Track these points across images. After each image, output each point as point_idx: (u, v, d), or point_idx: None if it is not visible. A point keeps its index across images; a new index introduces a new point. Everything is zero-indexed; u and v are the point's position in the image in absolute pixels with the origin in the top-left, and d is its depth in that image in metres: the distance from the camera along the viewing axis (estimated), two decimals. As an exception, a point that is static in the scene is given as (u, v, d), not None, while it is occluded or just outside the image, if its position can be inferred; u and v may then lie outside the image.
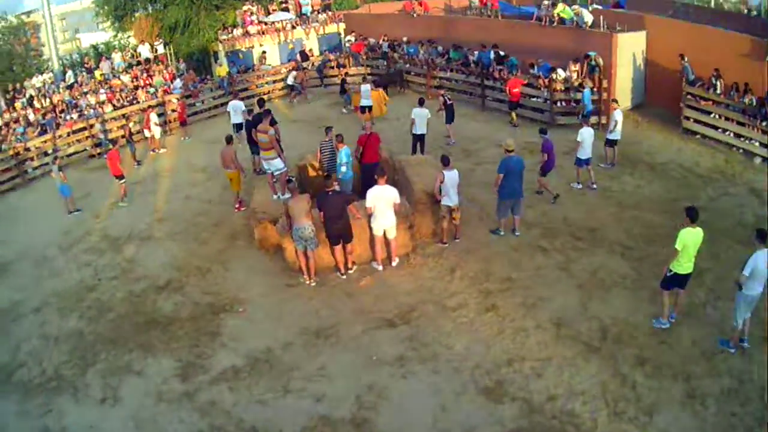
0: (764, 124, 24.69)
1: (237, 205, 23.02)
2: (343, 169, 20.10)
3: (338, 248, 17.50)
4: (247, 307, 17.16)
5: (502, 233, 19.00)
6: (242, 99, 34.19)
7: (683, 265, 13.83)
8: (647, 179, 23.22)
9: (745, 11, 31.06)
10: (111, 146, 26.55)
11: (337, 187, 17.83)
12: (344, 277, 17.76)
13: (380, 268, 17.94)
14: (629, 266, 17.27)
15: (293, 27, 45.72)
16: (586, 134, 21.96)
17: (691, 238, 13.59)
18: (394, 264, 18.03)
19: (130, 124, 33.37)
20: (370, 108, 30.67)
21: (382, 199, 16.99)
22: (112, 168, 25.25)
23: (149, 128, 32.43)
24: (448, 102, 27.49)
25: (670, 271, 13.92)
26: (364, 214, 17.40)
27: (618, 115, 23.99)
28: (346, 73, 34.96)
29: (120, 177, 25.33)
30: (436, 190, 18.25)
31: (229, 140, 22.47)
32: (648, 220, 19.94)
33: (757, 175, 23.37)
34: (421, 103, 25.39)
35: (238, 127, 28.89)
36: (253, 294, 17.69)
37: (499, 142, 22.24)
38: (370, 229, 17.59)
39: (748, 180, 22.78)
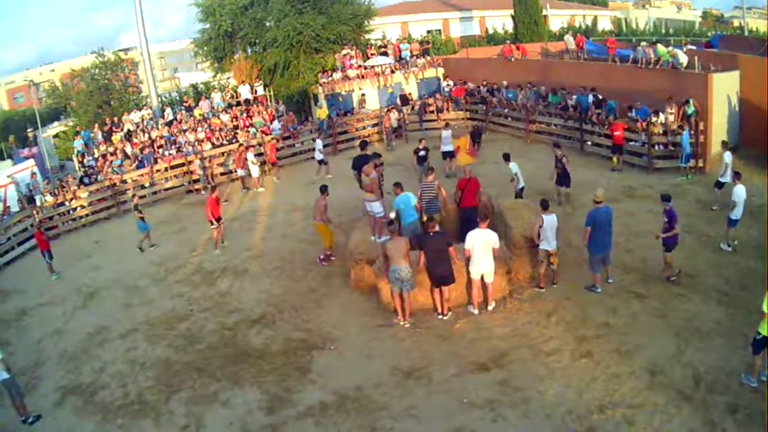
0: None
1: (322, 257, 22.35)
2: (392, 215, 19.72)
3: (437, 290, 17.30)
4: (339, 345, 17.04)
5: (599, 290, 18.23)
6: (343, 141, 37.89)
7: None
8: (745, 224, 22.25)
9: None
10: (209, 185, 27.03)
11: (437, 228, 17.57)
12: (440, 317, 17.49)
13: (476, 312, 17.58)
14: (725, 313, 16.72)
15: (392, 71, 46.09)
16: (741, 193, 20.43)
17: None
18: (490, 308, 17.65)
19: (230, 162, 34.15)
20: (451, 155, 30.30)
21: (482, 242, 16.76)
22: (211, 213, 24.67)
23: (243, 167, 33.03)
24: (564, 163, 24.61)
25: (759, 334, 13.21)
26: (462, 257, 17.11)
27: (728, 158, 23.33)
28: (426, 148, 33.82)
29: (218, 219, 24.93)
30: (535, 235, 17.93)
31: (323, 190, 21.94)
32: (744, 266, 19.36)
33: None
34: (507, 158, 24.51)
35: (320, 162, 32.60)
36: (346, 333, 17.58)
37: (599, 187, 21.91)
38: (468, 272, 17.32)
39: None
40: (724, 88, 29.96)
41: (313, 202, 22.41)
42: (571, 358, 15.28)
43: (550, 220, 17.77)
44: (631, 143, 30.26)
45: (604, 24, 79.22)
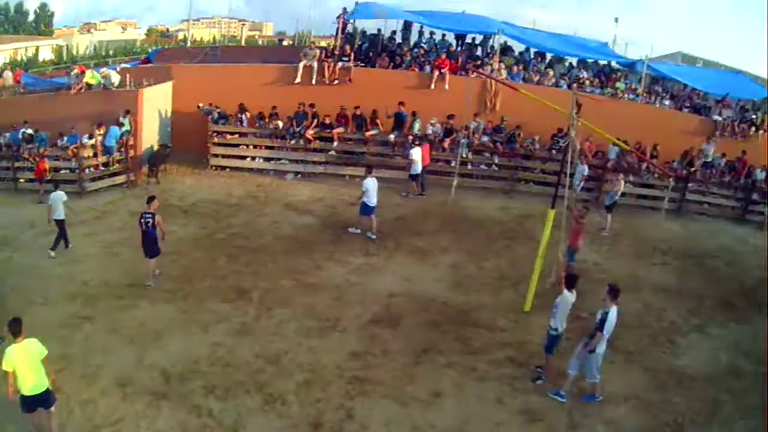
0: (293, 142, 28.71)
1: None
2: None
3: None
4: None
5: None
6: None
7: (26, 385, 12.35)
8: (181, 223, 24.24)
9: (277, 42, 33.42)
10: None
11: None
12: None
13: None
14: (175, 308, 18.17)
15: None
16: (371, 184, 23.03)
17: (18, 355, 12.26)
18: None
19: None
20: None
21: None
22: None
23: None
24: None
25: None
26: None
27: (585, 170, 26.26)
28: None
29: None
30: None
31: None
32: (187, 260, 21.18)
33: (291, 191, 26.85)
34: None
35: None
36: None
37: (33, 224, 23.19)
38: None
39: (281, 197, 25.76)
40: (156, 101, 31.85)
41: None
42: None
43: None
44: (63, 172, 30.13)
45: (46, 54, 78.67)
